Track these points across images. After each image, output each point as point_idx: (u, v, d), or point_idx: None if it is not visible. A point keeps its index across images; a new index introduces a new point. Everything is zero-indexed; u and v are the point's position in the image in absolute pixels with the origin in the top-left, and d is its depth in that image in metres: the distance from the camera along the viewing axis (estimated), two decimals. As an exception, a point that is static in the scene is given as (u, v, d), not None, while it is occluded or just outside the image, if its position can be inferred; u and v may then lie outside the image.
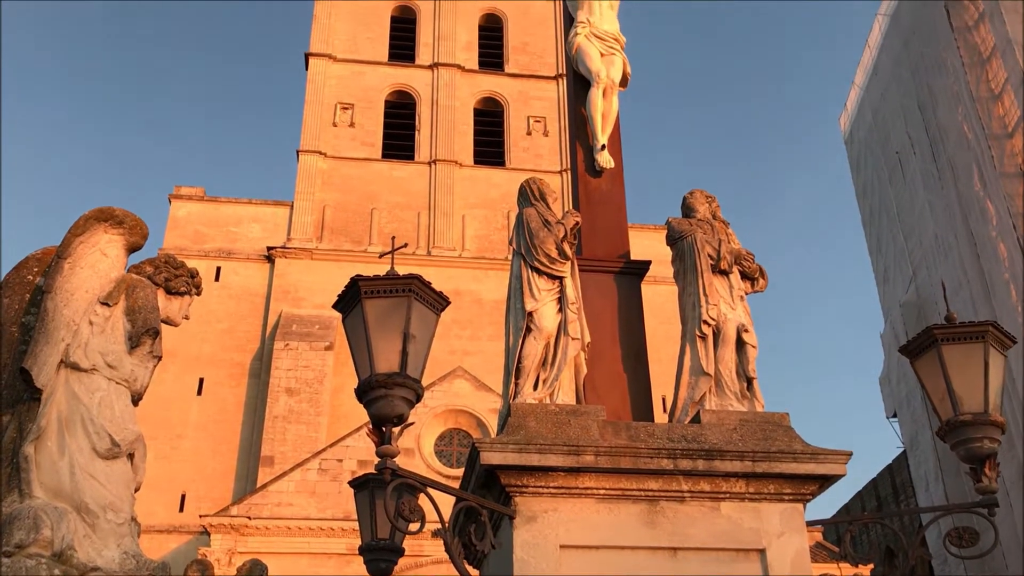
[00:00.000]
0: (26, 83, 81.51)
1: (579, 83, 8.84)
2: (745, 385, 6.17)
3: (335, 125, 30.83)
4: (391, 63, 32.80)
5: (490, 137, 32.47)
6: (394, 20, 34.02)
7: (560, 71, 32.33)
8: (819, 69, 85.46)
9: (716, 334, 6.26)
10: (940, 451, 21.78)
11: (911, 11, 24.43)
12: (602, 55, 8.60)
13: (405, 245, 5.82)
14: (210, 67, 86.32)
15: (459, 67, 32.71)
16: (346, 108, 31.24)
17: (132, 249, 4.53)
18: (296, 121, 31.34)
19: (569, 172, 28.26)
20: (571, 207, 8.67)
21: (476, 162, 31.52)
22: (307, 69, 31.74)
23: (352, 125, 31.01)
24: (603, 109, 8.38)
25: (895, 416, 25.71)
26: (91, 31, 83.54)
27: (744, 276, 6.68)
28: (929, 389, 5.48)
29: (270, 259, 28.14)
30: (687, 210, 7.45)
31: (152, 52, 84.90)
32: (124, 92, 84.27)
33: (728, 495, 5.10)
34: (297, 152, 30.08)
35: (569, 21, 9.26)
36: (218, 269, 27.72)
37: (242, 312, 27.40)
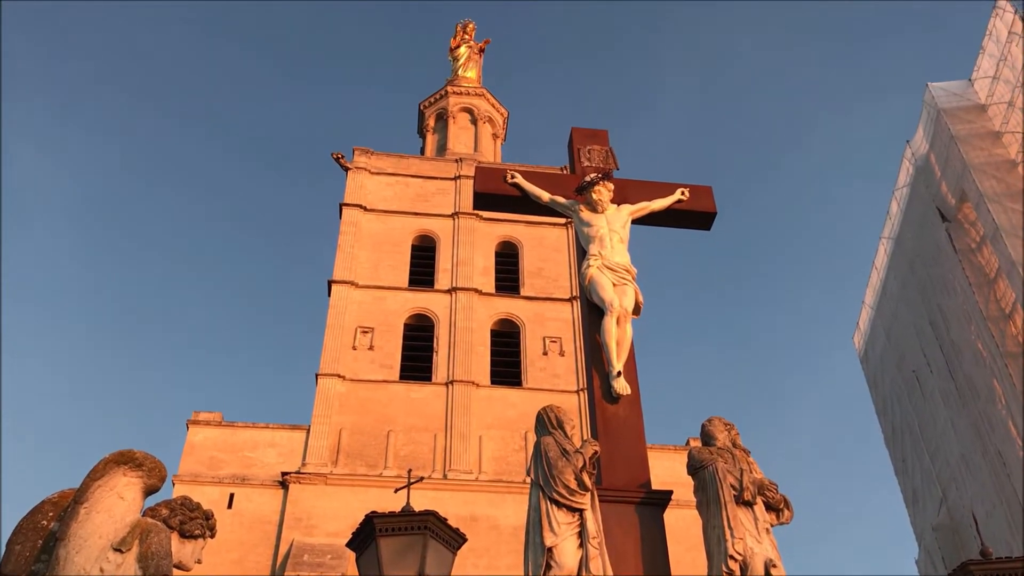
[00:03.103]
0: (44, 306, 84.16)
1: (593, 312, 9.06)
2: (777, 626, 5.86)
3: (354, 348, 31.27)
4: (411, 288, 33.71)
5: (507, 357, 32.73)
6: (415, 248, 35.36)
7: (574, 293, 33.12)
8: (829, 287, 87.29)
9: (744, 569, 6.04)
10: None
11: (913, 234, 25.29)
12: (614, 285, 8.87)
13: (421, 479, 5.78)
14: (232, 293, 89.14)
15: (476, 291, 33.56)
16: (366, 332, 31.82)
17: (150, 491, 4.51)
18: (315, 344, 31.86)
19: (586, 392, 28.27)
20: (589, 434, 8.62)
21: (493, 382, 31.58)
22: (329, 295, 32.65)
23: (371, 348, 31.45)
24: (617, 336, 8.52)
25: (942, 651, 24.04)
26: (112, 257, 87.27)
27: (769, 507, 6.52)
28: (973, 631, 5.18)
29: (284, 485, 27.68)
30: (706, 437, 7.39)
31: (172, 276, 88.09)
32: (144, 318, 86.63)
33: None
34: (316, 376, 30.36)
35: (581, 253, 9.66)
36: (231, 496, 27.24)
37: (254, 540, 26.62)
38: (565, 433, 7.01)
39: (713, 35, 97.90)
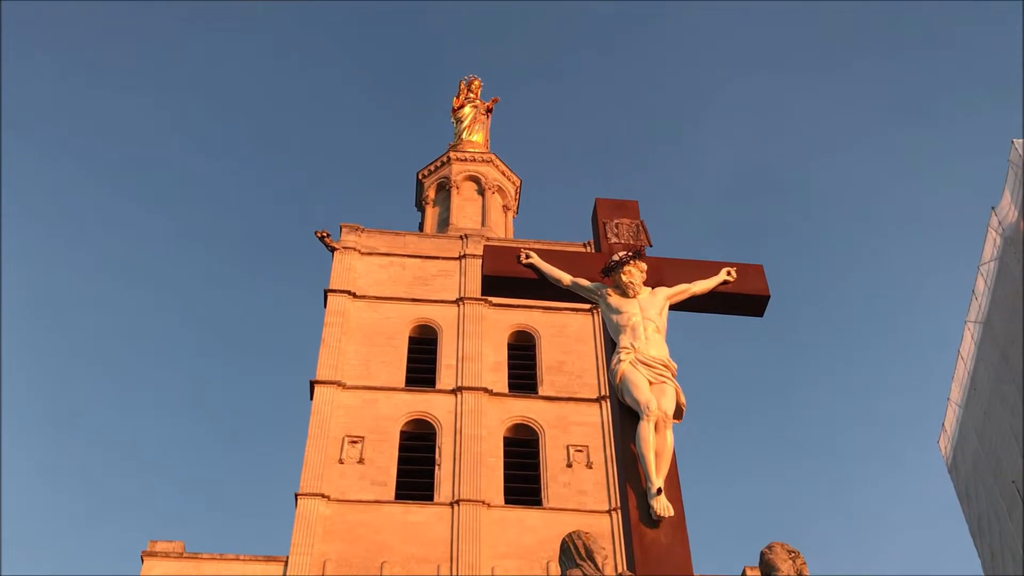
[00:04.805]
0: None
1: (626, 416, 8.95)
2: None
3: (341, 462, 31.06)
4: (408, 388, 33.67)
5: (523, 471, 32.44)
6: (412, 341, 35.43)
7: (602, 392, 32.98)
8: (907, 383, 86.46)
9: None
10: None
11: (1004, 317, 25.16)
12: (651, 383, 8.78)
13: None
14: (197, 398, 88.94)
15: (486, 391, 33.50)
16: (355, 442, 31.64)
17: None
18: (295, 458, 31.73)
19: (619, 513, 27.83)
20: (624, 566, 8.46)
21: (507, 501, 31.24)
22: (312, 398, 32.59)
23: (361, 461, 31.23)
24: (656, 445, 8.41)
25: None
26: (54, 356, 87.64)
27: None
28: None
29: (256, 630, 27.22)
30: (767, 568, 7.27)
31: (122, 377, 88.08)
32: (92, 428, 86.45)
33: None
34: (296, 496, 30.07)
35: (610, 345, 9.61)
36: (193, 645, 26.73)
37: None
38: (596, 565, 6.91)
39: (765, 92, 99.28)
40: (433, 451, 32.12)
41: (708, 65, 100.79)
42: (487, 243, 35.27)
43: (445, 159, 45.60)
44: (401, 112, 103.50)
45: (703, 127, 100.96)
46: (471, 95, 47.76)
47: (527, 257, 10.08)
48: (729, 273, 10.08)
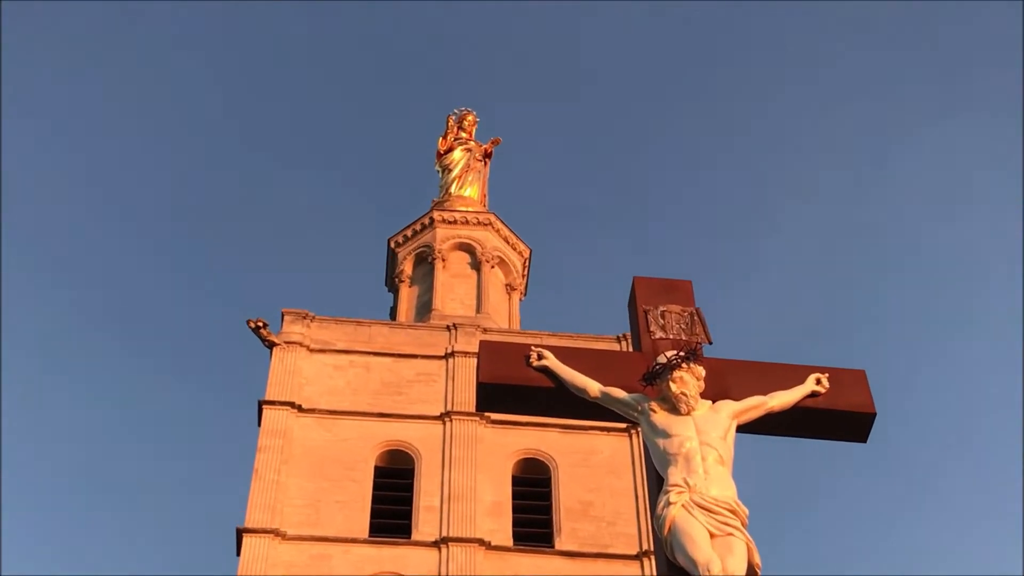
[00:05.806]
0: None
1: (678, 580, 8.95)
2: None
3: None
4: (374, 540, 33.42)
5: (535, 658, 32.20)
6: (380, 473, 35.24)
7: (645, 547, 32.81)
8: None
9: None
10: None
11: None
12: (712, 536, 8.79)
13: None
14: (77, 551, 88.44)
15: (482, 543, 33.33)
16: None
17: None
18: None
19: None
20: None
21: None
22: (239, 554, 32.35)
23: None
24: (722, 623, 8.40)
25: None
26: None
27: None
28: None
29: None
30: None
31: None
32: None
33: None
34: None
35: (655, 480, 9.57)
36: None
37: None
38: None
39: (859, 127, 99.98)
40: (408, 629, 31.88)
41: (778, 91, 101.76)
42: (484, 337, 35.31)
43: (427, 221, 45.87)
44: (367, 157, 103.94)
45: (775, 178, 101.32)
46: (463, 135, 48.25)
47: (540, 358, 10.11)
48: (819, 381, 10.04)
